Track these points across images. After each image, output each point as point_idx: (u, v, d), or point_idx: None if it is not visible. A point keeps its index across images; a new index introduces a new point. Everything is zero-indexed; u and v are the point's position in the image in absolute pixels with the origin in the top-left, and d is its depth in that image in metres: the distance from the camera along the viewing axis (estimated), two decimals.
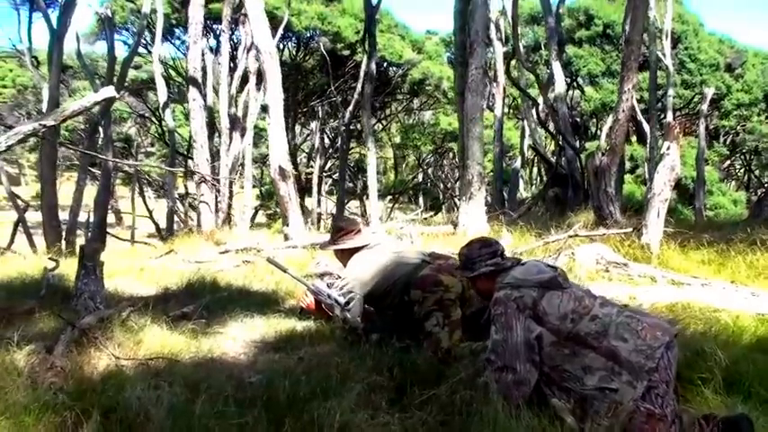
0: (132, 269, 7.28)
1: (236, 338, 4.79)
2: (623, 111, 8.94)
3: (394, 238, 8.02)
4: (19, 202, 17.46)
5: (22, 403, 3.24)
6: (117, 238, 21.34)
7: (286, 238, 9.03)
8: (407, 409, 3.31)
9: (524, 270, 3.46)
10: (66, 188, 23.79)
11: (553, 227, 7.61)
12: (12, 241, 15.71)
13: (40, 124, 6.53)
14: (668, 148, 6.86)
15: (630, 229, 7.30)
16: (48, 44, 14.46)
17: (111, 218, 31.63)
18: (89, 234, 16.83)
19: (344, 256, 5.02)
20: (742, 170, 35.31)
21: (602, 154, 9.14)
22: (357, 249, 4.94)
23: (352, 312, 4.67)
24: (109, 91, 6.99)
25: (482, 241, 3.85)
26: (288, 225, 9.03)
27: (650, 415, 2.86)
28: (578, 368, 3.08)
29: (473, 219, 9.03)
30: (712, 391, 3.41)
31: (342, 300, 4.74)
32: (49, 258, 5.83)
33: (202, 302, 5.41)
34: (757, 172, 34.05)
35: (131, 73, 27.01)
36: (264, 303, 5.60)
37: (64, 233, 14.53)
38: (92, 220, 17.60)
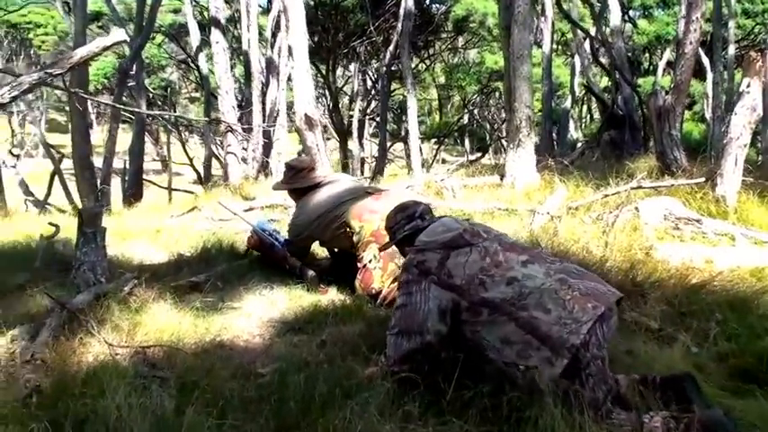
0: (148, 230, 6.76)
1: (251, 316, 4.26)
2: (690, 43, 7.98)
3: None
4: (53, 152, 17.06)
5: None
6: (157, 185, 21.08)
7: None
8: (444, 414, 2.75)
9: (430, 230, 3.26)
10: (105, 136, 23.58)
11: (612, 176, 6.80)
12: (48, 194, 15.44)
13: (46, 73, 6.00)
14: (748, 86, 5.96)
15: (702, 179, 6.45)
16: None
17: (157, 165, 31.70)
18: (125, 184, 16.41)
19: (298, 195, 5.03)
20: None
21: (666, 93, 8.25)
22: (309, 189, 4.89)
23: (295, 251, 4.90)
24: (119, 34, 6.45)
25: (398, 207, 3.62)
26: None
27: (575, 397, 2.60)
28: (496, 338, 2.80)
29: (521, 168, 8.24)
30: None
31: (281, 238, 5.02)
32: (49, 223, 5.29)
33: (217, 271, 4.90)
34: None
35: (170, 17, 26.54)
36: (286, 271, 4.98)
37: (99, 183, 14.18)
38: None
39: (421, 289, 3.02)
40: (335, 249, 5.07)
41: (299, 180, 4.97)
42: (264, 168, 13.81)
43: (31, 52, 36.88)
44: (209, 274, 4.81)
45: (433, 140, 31.27)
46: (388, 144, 25.17)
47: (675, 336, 3.67)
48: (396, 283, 3.80)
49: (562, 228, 5.30)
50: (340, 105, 27.40)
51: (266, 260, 5.16)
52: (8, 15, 29.19)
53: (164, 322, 3.73)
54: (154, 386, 2.99)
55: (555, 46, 22.03)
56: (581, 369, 2.67)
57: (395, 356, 3.05)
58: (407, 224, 3.47)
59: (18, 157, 20.67)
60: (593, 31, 17.34)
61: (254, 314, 4.26)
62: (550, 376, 2.63)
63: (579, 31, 18.11)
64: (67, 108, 36.57)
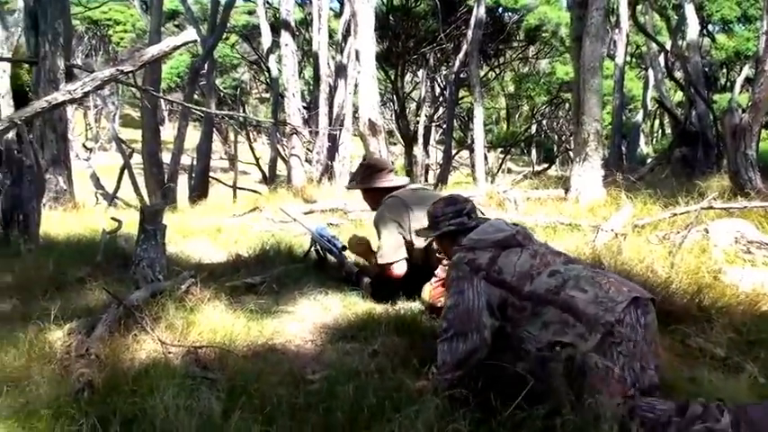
0: (209, 229, 6.83)
1: (304, 320, 4.21)
2: None
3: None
4: (124, 147, 17.46)
5: (43, 400, 2.84)
6: (224, 183, 21.39)
7: None
8: None
9: (481, 230, 3.25)
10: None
11: (682, 195, 6.57)
12: (117, 187, 15.78)
13: (118, 70, 6.17)
14: None
15: None
16: None
17: (224, 164, 32.24)
18: (192, 182, 16.71)
19: (374, 198, 4.74)
20: None
21: (743, 110, 7.93)
22: (387, 191, 4.59)
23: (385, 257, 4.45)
24: (190, 34, 6.60)
25: (447, 199, 3.62)
26: None
27: (606, 371, 2.61)
28: (537, 327, 2.81)
29: (587, 183, 8.02)
30: None
31: (339, 244, 4.92)
32: (112, 218, 5.39)
33: (273, 273, 4.89)
34: None
35: (243, 18, 27.01)
36: (343, 278, 4.95)
37: (166, 180, 14.46)
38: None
39: (473, 285, 3.00)
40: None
41: (377, 180, 4.71)
42: (328, 171, 13.87)
43: (110, 48, 37.88)
44: (265, 276, 4.81)
45: (500, 150, 31.09)
46: (454, 152, 25.06)
47: (742, 365, 3.48)
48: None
49: (626, 246, 5.12)
50: (407, 111, 27.44)
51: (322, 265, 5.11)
52: (89, 12, 30.01)
53: (217, 323, 3.71)
54: (203, 387, 2.97)
55: (628, 58, 21.61)
56: (614, 344, 2.65)
57: (451, 362, 2.97)
58: (455, 218, 3.46)
59: (91, 150, 21.24)
60: (668, 45, 16.93)
61: (308, 319, 4.22)
62: (583, 350, 2.64)
63: (654, 45, 17.69)
64: (140, 105, 37.55)
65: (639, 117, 21.58)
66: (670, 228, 5.76)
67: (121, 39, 36.01)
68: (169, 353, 3.37)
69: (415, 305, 4.40)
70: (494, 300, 2.95)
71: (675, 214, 6.01)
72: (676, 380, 3.22)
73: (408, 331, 3.88)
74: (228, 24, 18.01)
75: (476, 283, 3.00)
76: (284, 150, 18.30)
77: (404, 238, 4.42)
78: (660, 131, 34.03)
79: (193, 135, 19.02)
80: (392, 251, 4.42)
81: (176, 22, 27.96)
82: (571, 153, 30.43)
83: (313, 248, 5.28)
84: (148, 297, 3.92)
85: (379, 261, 4.47)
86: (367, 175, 4.77)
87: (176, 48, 6.52)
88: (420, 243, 4.35)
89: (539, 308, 2.83)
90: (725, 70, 26.38)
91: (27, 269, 4.69)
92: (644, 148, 25.16)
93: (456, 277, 3.08)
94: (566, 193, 8.30)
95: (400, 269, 4.44)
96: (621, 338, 2.65)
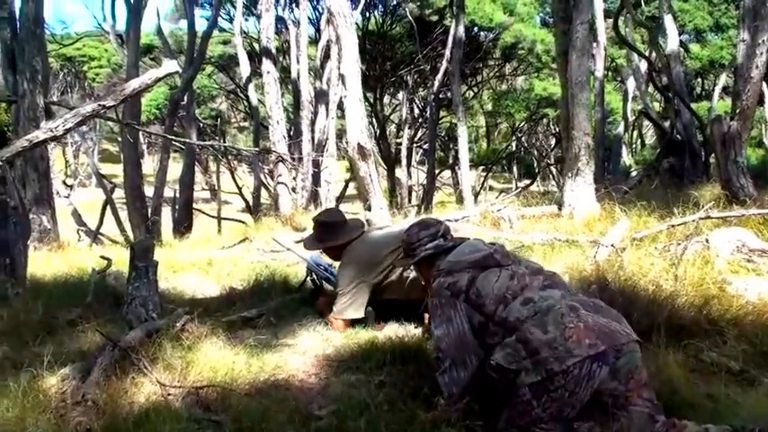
0: (199, 262, 6.70)
1: (305, 353, 4.10)
2: (757, 68, 7.65)
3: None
4: (106, 182, 17.29)
5: None
6: (206, 215, 21.25)
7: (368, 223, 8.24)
8: None
9: (458, 252, 3.27)
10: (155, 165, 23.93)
11: (676, 205, 6.52)
12: (100, 224, 15.60)
13: (100, 105, 6.04)
14: None
15: None
16: (125, 21, 14.14)
17: (206, 194, 32.09)
18: (176, 214, 16.55)
19: (335, 253, 4.77)
20: None
21: (731, 118, 7.94)
22: (347, 244, 4.60)
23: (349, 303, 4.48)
24: (171, 66, 6.48)
25: (421, 224, 3.66)
26: (369, 209, 8.23)
27: (528, 407, 2.69)
28: (498, 352, 2.86)
29: (580, 197, 7.97)
30: None
31: (336, 272, 4.74)
32: (101, 257, 5.26)
33: (270, 306, 4.80)
34: None
35: (219, 48, 26.97)
36: None
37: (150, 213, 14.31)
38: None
39: (457, 310, 3.02)
40: (385, 298, 4.64)
41: (335, 236, 4.70)
42: (314, 198, 13.78)
43: (86, 84, 37.74)
44: (261, 309, 4.73)
45: (481, 168, 31.17)
46: (436, 172, 25.07)
47: (759, 378, 3.41)
48: None
49: (628, 260, 5.05)
50: (387, 133, 27.45)
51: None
52: (63, 49, 29.90)
53: (217, 360, 3.60)
54: (208, 431, 2.88)
55: (606, 71, 21.80)
56: (549, 389, 2.66)
57: (457, 392, 3.00)
58: (431, 242, 3.50)
59: (71, 187, 21.05)
60: (651, 56, 17.05)
61: (309, 352, 4.11)
62: (520, 383, 2.71)
63: (635, 56, 17.82)
64: (120, 139, 37.35)
65: (621, 129, 21.71)
66: (669, 239, 5.69)
67: (97, 74, 35.86)
68: (169, 395, 3.27)
69: (417, 331, 4.31)
70: (474, 322, 3.00)
71: (673, 225, 5.95)
72: (694, 397, 3.17)
73: (414, 359, 3.78)
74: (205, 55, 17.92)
75: (459, 306, 3.03)
76: (266, 178, 18.22)
77: (368, 285, 4.48)
78: (639, 142, 34.28)
79: (174, 167, 18.89)
80: (346, 308, 4.48)
81: (152, 56, 27.87)
82: (552, 168, 30.55)
83: (309, 278, 5.17)
84: (144, 337, 3.82)
85: (333, 312, 4.52)
86: (322, 234, 4.78)
87: (159, 79, 6.41)
88: (393, 276, 4.45)
89: (507, 335, 2.87)
90: (699, 79, 26.64)
91: (15, 314, 4.55)
92: (626, 159, 25.30)
93: (439, 304, 3.09)
94: (559, 208, 8.25)
95: (344, 325, 4.49)
96: (558, 387, 2.66)
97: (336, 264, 4.85)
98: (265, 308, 4.73)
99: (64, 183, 21.10)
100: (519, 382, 2.71)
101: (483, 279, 3.05)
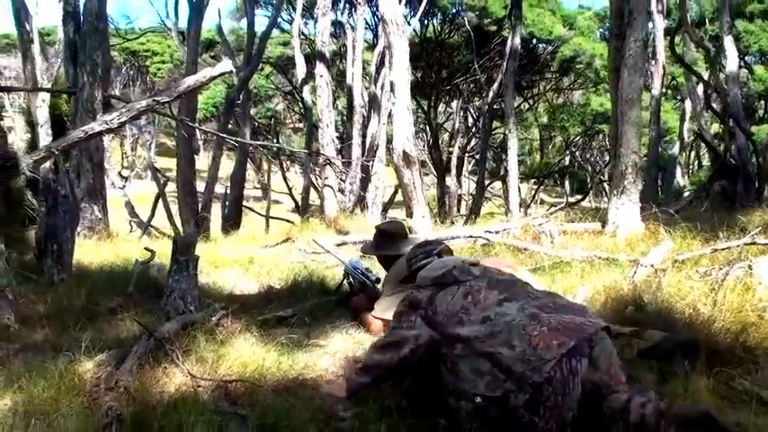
0: (241, 259, 6.80)
1: (336, 354, 4.12)
2: None
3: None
4: (159, 175, 17.65)
5: None
6: (256, 212, 21.49)
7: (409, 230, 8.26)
8: None
9: (429, 268, 3.40)
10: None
11: (722, 229, 6.40)
12: (152, 216, 15.92)
13: (154, 100, 6.23)
14: None
15: None
16: (187, 18, 14.41)
17: (257, 192, 32.46)
18: (225, 211, 16.78)
19: (386, 262, 4.89)
20: None
21: None
22: (399, 256, 4.62)
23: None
24: (226, 65, 6.64)
25: (421, 242, 3.97)
26: (410, 216, 8.25)
27: (533, 427, 2.67)
28: (469, 369, 2.85)
29: (625, 216, 7.87)
30: None
31: (373, 277, 4.91)
32: (145, 248, 5.39)
33: (305, 306, 4.85)
34: None
35: (278, 50, 27.28)
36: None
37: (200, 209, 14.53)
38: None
39: (409, 320, 3.15)
40: None
41: (390, 247, 4.86)
42: (361, 202, 13.85)
43: (148, 79, 38.51)
44: (296, 308, 4.77)
45: (533, 180, 30.97)
46: (487, 182, 24.98)
47: None
48: None
49: (666, 282, 4.97)
50: (440, 141, 27.45)
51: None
52: (127, 43, 30.57)
53: (248, 356, 3.65)
54: (232, 424, 2.95)
55: (665, 90, 21.44)
56: (542, 402, 2.68)
57: (365, 363, 3.33)
58: (424, 259, 3.72)
59: (127, 179, 21.52)
60: (706, 76, 16.71)
61: (340, 353, 4.13)
62: (513, 407, 2.70)
63: (693, 76, 17.49)
64: (176, 134, 38.00)
65: (676, 149, 21.34)
66: (711, 264, 5.57)
67: (159, 69, 36.61)
68: (198, 386, 3.32)
69: None
70: (423, 338, 3.06)
71: (717, 249, 5.82)
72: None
73: None
74: (263, 55, 18.14)
75: (413, 318, 3.14)
76: (317, 180, 18.37)
77: None
78: (696, 163, 33.64)
79: (227, 164, 19.15)
80: (384, 310, 4.49)
81: (212, 53, 28.36)
82: (605, 185, 30.18)
83: (346, 281, 5.23)
84: (179, 329, 3.89)
85: (375, 311, 4.57)
86: (380, 242, 4.98)
87: (213, 78, 6.57)
88: None
89: (467, 350, 2.89)
90: (762, 102, 26.03)
91: (59, 299, 4.69)
92: (681, 180, 24.82)
93: (398, 311, 3.27)
94: (603, 226, 8.15)
95: (382, 327, 4.49)
96: (549, 396, 2.67)
97: (378, 269, 5.00)
98: (300, 308, 4.78)
99: (120, 174, 21.58)
100: (512, 406, 2.72)
101: (442, 296, 3.13)
